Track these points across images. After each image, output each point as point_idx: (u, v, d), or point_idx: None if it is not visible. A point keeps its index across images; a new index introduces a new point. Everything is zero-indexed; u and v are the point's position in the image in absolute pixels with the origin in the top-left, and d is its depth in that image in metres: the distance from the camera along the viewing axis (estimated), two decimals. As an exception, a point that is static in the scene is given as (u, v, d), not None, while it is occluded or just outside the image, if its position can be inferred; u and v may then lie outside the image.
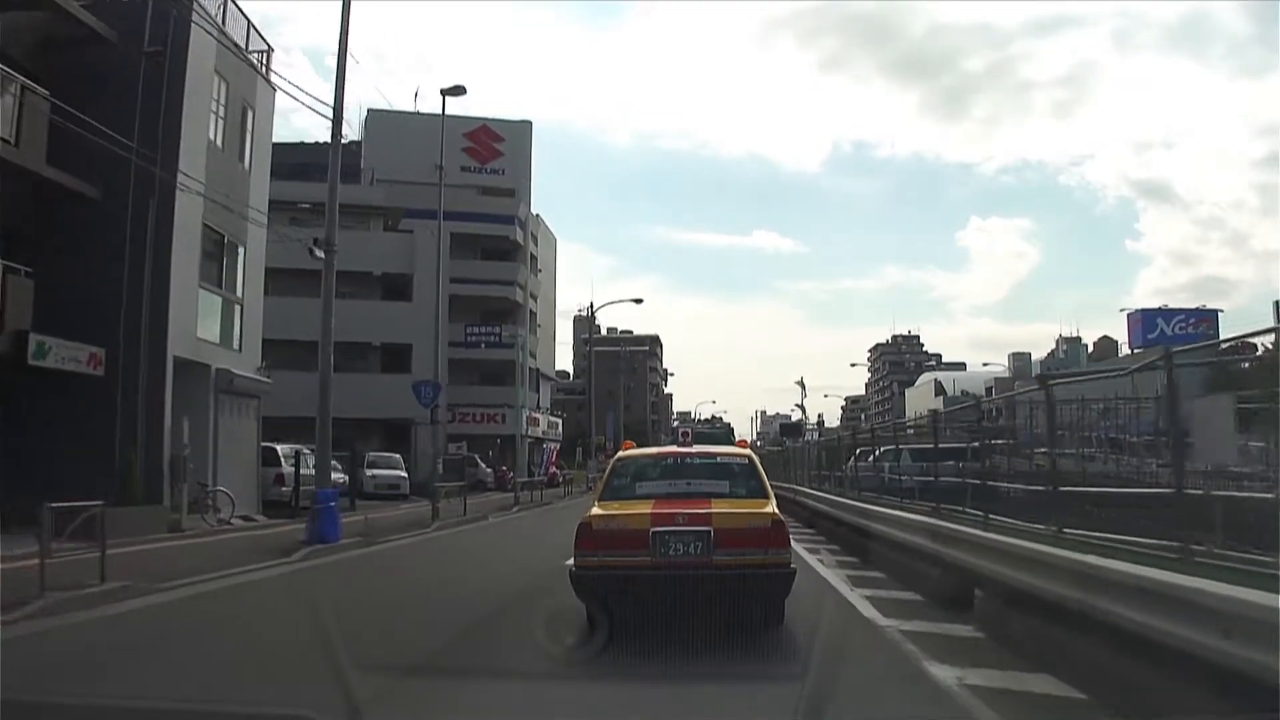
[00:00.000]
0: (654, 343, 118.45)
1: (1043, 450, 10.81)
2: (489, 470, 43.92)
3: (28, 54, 17.26)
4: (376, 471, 34.22)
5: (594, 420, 61.53)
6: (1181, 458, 5.88)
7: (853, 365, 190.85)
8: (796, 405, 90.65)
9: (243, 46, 21.86)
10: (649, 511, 7.44)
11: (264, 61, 23.04)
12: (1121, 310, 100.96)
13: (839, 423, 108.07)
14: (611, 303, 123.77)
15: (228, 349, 21.51)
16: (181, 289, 18.88)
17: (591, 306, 66.39)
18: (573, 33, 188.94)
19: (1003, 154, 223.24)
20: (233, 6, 21.42)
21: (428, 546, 17.53)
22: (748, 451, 9.23)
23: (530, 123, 59.57)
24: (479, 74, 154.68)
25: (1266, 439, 6.97)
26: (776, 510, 7.64)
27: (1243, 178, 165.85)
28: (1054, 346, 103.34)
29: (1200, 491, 5.93)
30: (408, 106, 49.03)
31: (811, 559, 13.34)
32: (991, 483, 9.66)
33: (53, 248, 17.36)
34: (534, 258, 57.89)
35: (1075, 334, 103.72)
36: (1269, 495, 6.40)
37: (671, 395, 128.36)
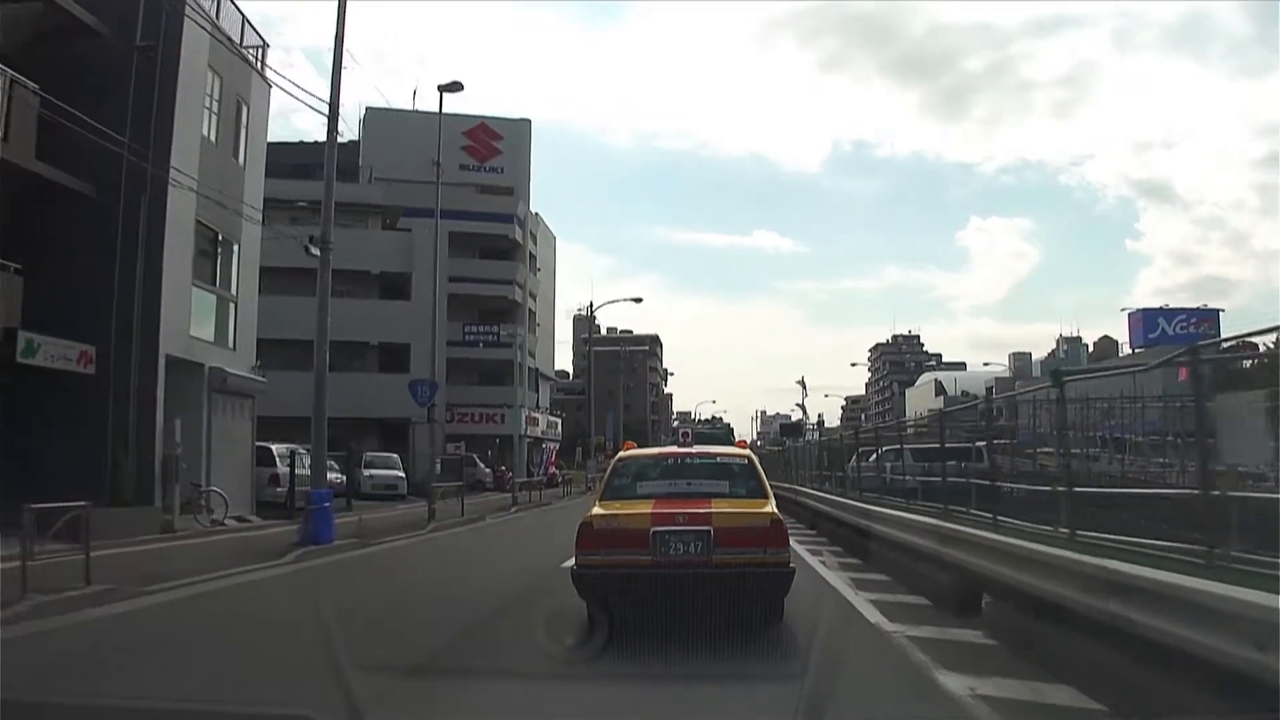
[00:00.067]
0: (654, 343, 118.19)
1: (1046, 450, 10.58)
2: (488, 470, 43.67)
3: (17, 48, 16.97)
4: (374, 472, 34.00)
5: (593, 420, 61.29)
6: (1207, 458, 5.59)
7: (853, 365, 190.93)
8: (797, 405, 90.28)
9: (237, 41, 21.61)
10: (649, 511, 7.51)
11: (259, 57, 22.79)
12: (1122, 310, 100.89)
13: (839, 423, 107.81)
14: (611, 302, 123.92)
15: (222, 348, 21.25)
16: (174, 286, 18.61)
17: (591, 306, 66.35)
18: (573, 33, 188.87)
19: (1003, 154, 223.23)
20: (227, 2, 21.18)
21: (423, 548, 17.26)
22: (747, 452, 9.28)
23: (529, 121, 59.43)
24: (479, 74, 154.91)
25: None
26: (776, 510, 7.70)
27: (1243, 178, 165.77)
28: (1054, 346, 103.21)
29: (1232, 494, 5.64)
30: (407, 106, 48.65)
31: (813, 560, 13.11)
32: (1000, 484, 9.34)
33: (43, 244, 17.07)
34: (533, 256, 57.64)
35: (1075, 334, 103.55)
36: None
37: (671, 395, 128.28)
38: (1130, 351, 74.32)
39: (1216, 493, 5.51)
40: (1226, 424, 5.54)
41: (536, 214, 59.70)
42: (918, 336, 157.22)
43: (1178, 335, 69.23)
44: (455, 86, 25.64)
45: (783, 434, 73.09)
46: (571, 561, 7.64)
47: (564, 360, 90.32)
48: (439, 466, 30.80)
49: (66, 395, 16.74)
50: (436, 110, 27.93)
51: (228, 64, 20.97)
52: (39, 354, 16.10)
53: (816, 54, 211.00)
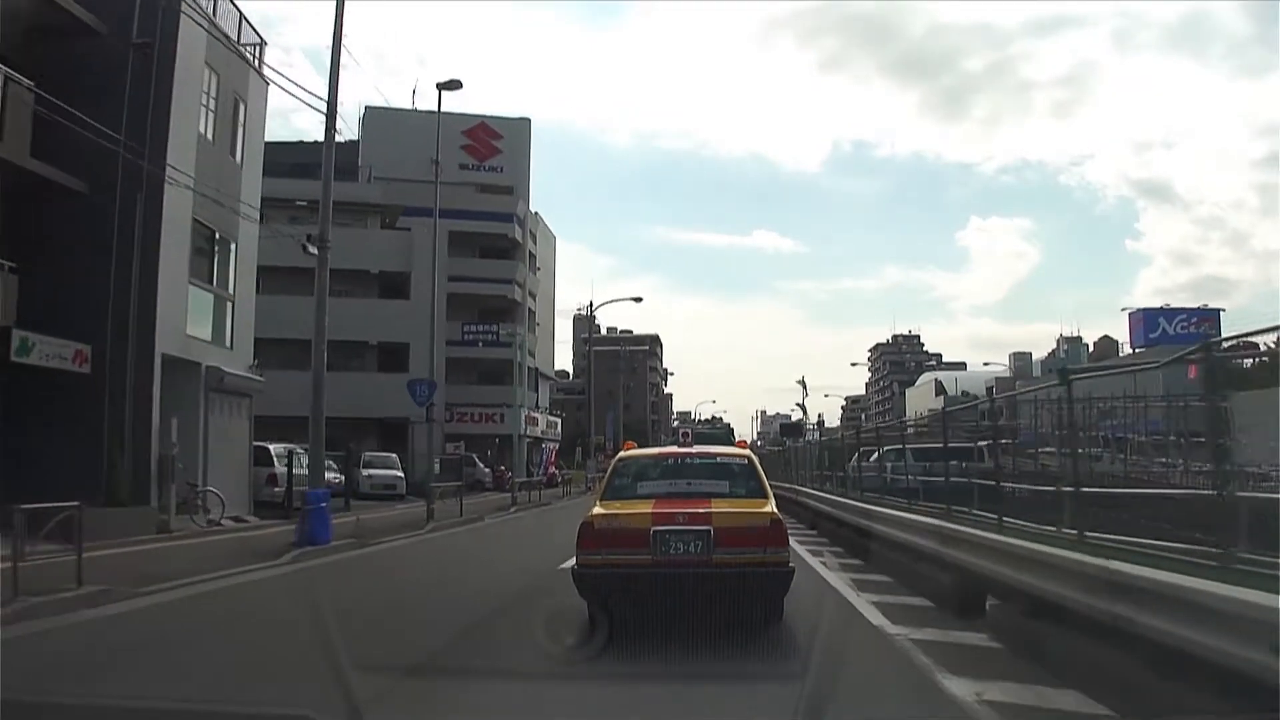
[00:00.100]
0: (654, 342, 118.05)
1: (1048, 450, 10.45)
2: (487, 470, 43.57)
3: (12, 45, 16.83)
4: (372, 471, 33.88)
5: (593, 420, 61.15)
6: (1223, 457, 5.46)
7: (853, 365, 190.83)
8: (798, 405, 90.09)
9: (234, 39, 21.47)
10: (650, 511, 7.55)
11: (256, 54, 22.64)
12: (1123, 310, 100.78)
13: (839, 423, 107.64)
14: (611, 301, 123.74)
15: (219, 346, 21.11)
16: (170, 285, 18.47)
17: (591, 305, 66.27)
18: (573, 32, 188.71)
19: (1003, 154, 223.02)
20: (224, -1, 21.07)
21: (421, 548, 17.13)
22: (747, 452, 9.33)
23: (529, 120, 59.23)
24: (479, 74, 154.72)
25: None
26: (775, 510, 7.73)
27: (1243, 178, 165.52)
28: (1054, 346, 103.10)
29: (1245, 495, 5.51)
30: (407, 106, 48.50)
31: (814, 561, 13.00)
32: (1006, 484, 9.21)
33: (38, 242, 16.96)
34: (532, 256, 57.52)
35: (1076, 334, 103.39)
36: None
37: (671, 395, 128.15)
38: (1131, 351, 74.24)
39: (1237, 494, 5.34)
40: (1241, 423, 5.39)
41: (536, 213, 59.59)
42: (918, 336, 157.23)
43: (1178, 335, 69.17)
44: (454, 84, 25.47)
45: (783, 434, 72.97)
46: (571, 562, 7.66)
47: (564, 360, 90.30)
48: (438, 466, 30.67)
49: (62, 394, 16.61)
50: (436, 109, 27.82)
51: (225, 61, 20.83)
52: (33, 353, 15.98)
53: (816, 54, 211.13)
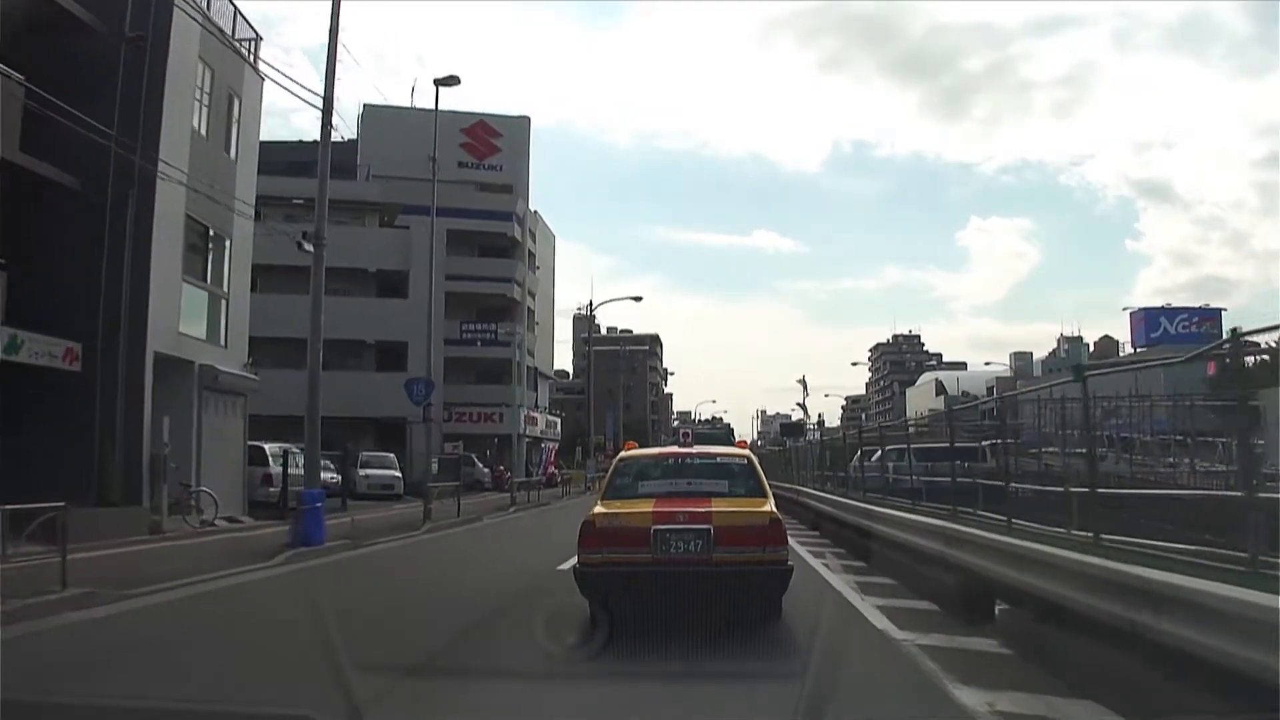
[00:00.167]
0: (654, 342, 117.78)
1: (1051, 450, 10.22)
2: (486, 470, 43.34)
3: (2, 38, 16.60)
4: (370, 471, 33.63)
5: (593, 420, 60.91)
6: (1250, 457, 5.21)
7: (854, 365, 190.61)
8: (798, 404, 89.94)
9: (229, 34, 21.22)
10: (650, 510, 7.63)
11: (251, 50, 22.38)
12: (1124, 309, 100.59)
13: (839, 422, 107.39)
14: (611, 300, 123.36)
15: (213, 345, 20.85)
16: (163, 282, 18.21)
17: (591, 305, 66.01)
18: (573, 32, 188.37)
19: (1003, 154, 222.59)
20: (218, -8, 20.81)
21: (416, 549, 16.87)
22: (747, 452, 9.42)
23: (528, 118, 58.98)
24: (479, 74, 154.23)
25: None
26: (774, 509, 7.80)
27: (1243, 178, 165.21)
28: (1055, 346, 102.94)
29: (1270, 495, 5.26)
30: (406, 104, 48.31)
31: (816, 563, 12.76)
32: (1015, 485, 8.96)
33: (28, 239, 16.71)
34: (532, 255, 57.30)
35: (1076, 334, 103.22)
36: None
37: (671, 395, 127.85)
38: (1132, 351, 74.01)
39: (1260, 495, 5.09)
40: (1272, 421, 5.15)
41: (535, 212, 59.38)
42: (918, 336, 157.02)
43: (1179, 335, 69.08)
44: (452, 80, 25.22)
45: (783, 434, 72.82)
46: (569, 563, 7.79)
47: (564, 360, 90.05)
48: (436, 466, 30.43)
49: (52, 393, 16.39)
50: (434, 107, 27.58)
51: (219, 56, 20.59)
52: (22, 351, 15.74)
53: (816, 54, 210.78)
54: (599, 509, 7.90)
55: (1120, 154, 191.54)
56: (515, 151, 56.02)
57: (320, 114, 17.05)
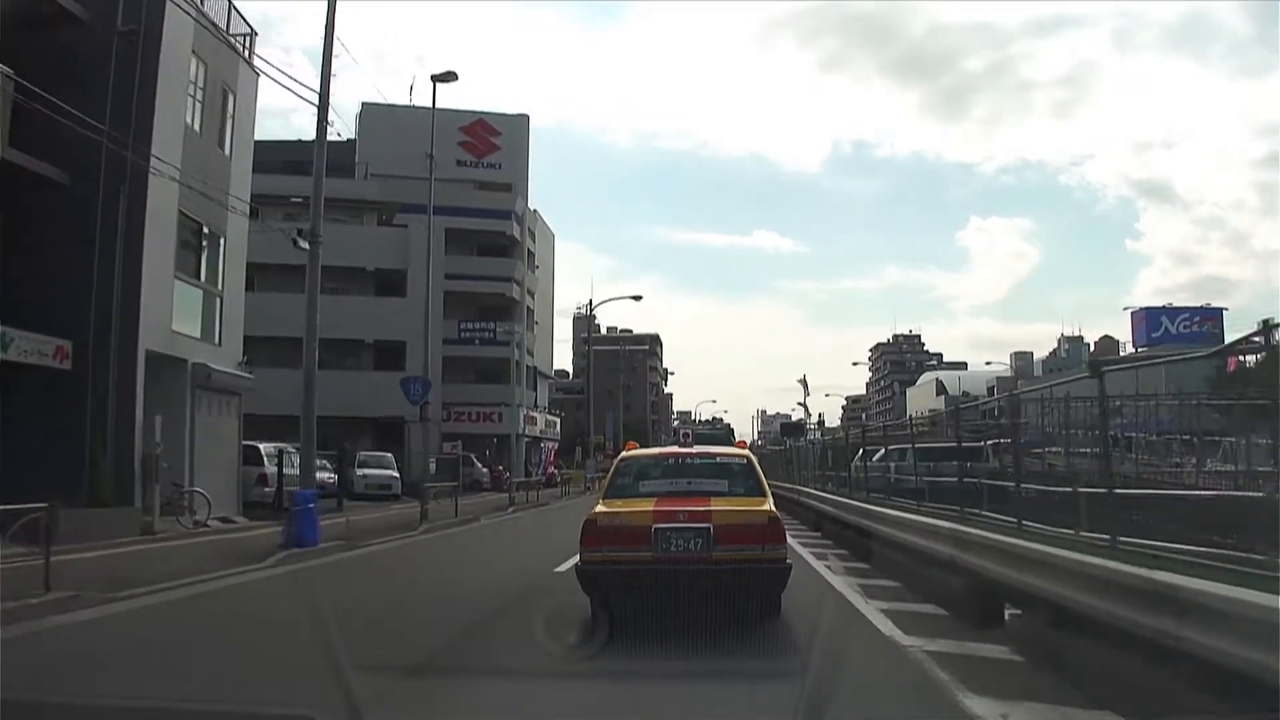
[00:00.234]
0: (654, 342, 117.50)
1: (1055, 450, 9.97)
2: (485, 470, 43.06)
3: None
4: (367, 471, 33.38)
5: (593, 420, 60.66)
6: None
7: (854, 364, 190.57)
8: (799, 404, 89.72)
9: (224, 29, 20.96)
10: (651, 509, 7.72)
11: (247, 45, 22.10)
12: (1125, 309, 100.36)
13: (839, 422, 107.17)
14: (610, 300, 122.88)
15: (207, 343, 20.58)
16: (155, 279, 17.93)
17: (590, 304, 65.77)
18: (573, 32, 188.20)
19: (1003, 154, 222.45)
20: (213, -12, 20.54)
21: (412, 550, 16.63)
22: (746, 452, 9.57)
23: (527, 116, 58.61)
24: (479, 74, 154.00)
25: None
26: (773, 508, 7.93)
27: (1243, 178, 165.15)
28: (1055, 346, 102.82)
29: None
30: (405, 103, 48.02)
31: (819, 565, 12.54)
32: (1024, 485, 8.71)
33: (17, 235, 16.50)
34: (531, 254, 57.03)
35: (1077, 334, 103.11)
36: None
37: (671, 395, 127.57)
38: (1133, 350, 73.76)
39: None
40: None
41: (535, 211, 59.10)
42: (918, 336, 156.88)
43: (1181, 334, 68.94)
44: (449, 76, 24.98)
45: (783, 434, 72.63)
46: (567, 565, 8.10)
47: (563, 359, 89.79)
48: (433, 466, 30.21)
49: (42, 392, 16.16)
50: (431, 103, 27.34)
51: (213, 51, 20.32)
52: (11, 349, 15.48)
53: (816, 54, 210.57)
54: (600, 508, 8.01)
55: (1120, 154, 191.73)
56: (514, 150, 55.74)
57: (318, 111, 16.82)
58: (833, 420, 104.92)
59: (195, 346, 19.92)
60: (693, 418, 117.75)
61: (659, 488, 8.38)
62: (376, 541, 16.93)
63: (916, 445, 14.95)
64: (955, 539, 8.40)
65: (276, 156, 38.96)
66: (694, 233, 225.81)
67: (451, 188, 46.09)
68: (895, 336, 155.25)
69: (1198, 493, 6.95)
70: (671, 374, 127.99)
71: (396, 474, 34.19)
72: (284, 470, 21.27)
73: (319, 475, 19.01)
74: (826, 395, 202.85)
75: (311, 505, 15.17)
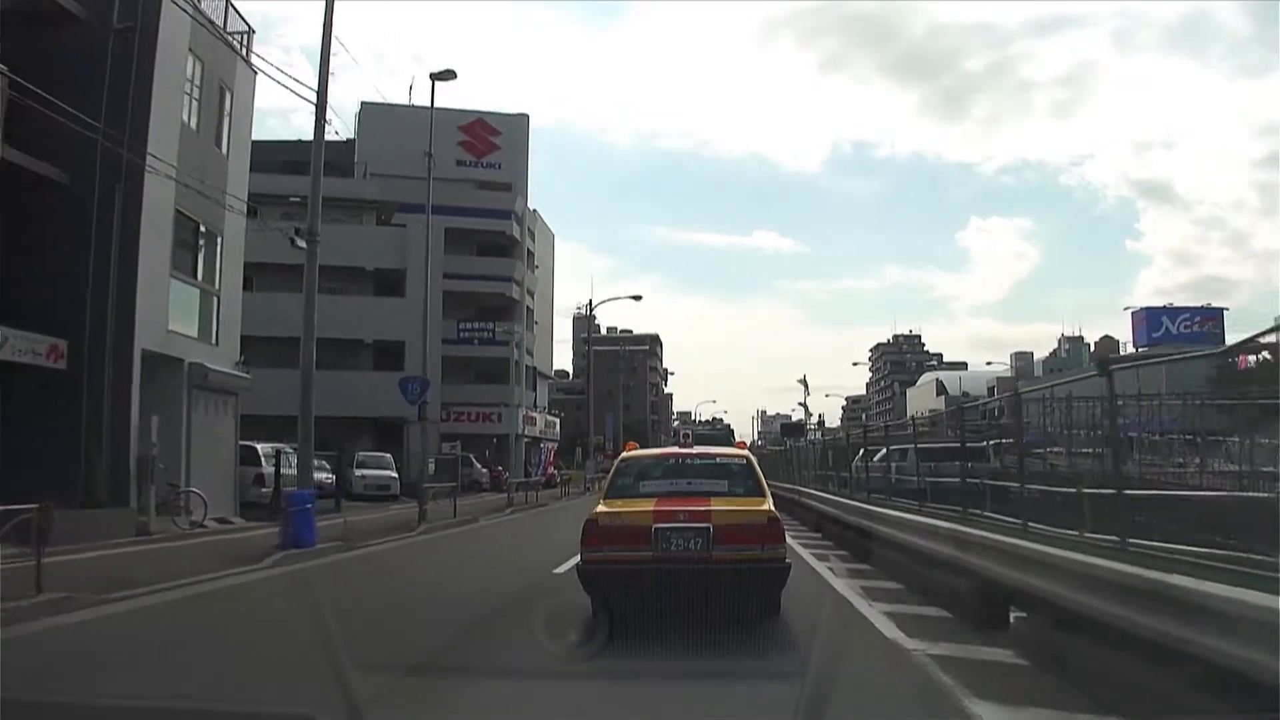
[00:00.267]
0: (654, 342, 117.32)
1: (1056, 449, 9.85)
2: (484, 470, 42.91)
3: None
4: (366, 472, 33.25)
5: (593, 420, 60.51)
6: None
7: (854, 365, 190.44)
8: (800, 404, 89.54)
9: (221, 26, 20.84)
10: (652, 509, 7.77)
11: (244, 43, 21.98)
12: (1125, 309, 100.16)
13: (839, 423, 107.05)
14: (610, 299, 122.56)
15: (203, 343, 20.43)
16: (151, 278, 17.80)
17: (590, 304, 65.52)
18: (573, 32, 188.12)
19: (1003, 154, 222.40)
20: (210, -14, 20.42)
21: (409, 551, 16.49)
22: (746, 452, 9.60)
23: (526, 116, 58.43)
24: (478, 74, 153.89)
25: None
26: (772, 508, 7.99)
27: (1243, 178, 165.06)
28: (1056, 346, 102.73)
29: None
30: (405, 103, 47.91)
31: (820, 566, 12.42)
32: (1030, 486, 8.59)
33: (13, 233, 16.36)
34: (531, 254, 56.86)
35: (1077, 334, 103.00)
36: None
37: (671, 395, 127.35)
38: (1134, 350, 73.62)
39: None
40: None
41: (534, 210, 58.93)
42: (918, 336, 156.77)
43: (1181, 334, 68.79)
44: (448, 75, 24.81)
45: (784, 434, 72.50)
46: (565, 566, 8.25)
47: (563, 360, 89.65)
48: (432, 466, 30.08)
49: (37, 391, 16.02)
50: (430, 102, 27.17)
51: (210, 48, 20.19)
52: (4, 348, 15.35)
53: (816, 54, 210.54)
54: (601, 508, 8.07)
55: (1120, 154, 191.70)
56: (514, 149, 55.58)
57: (314, 107, 16.70)
58: (833, 420, 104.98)
59: (192, 346, 19.79)
60: (693, 418, 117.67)
61: (659, 488, 8.42)
62: (374, 542, 16.81)
63: (925, 445, 14.82)
64: (958, 540, 8.28)
65: (276, 156, 38.88)
66: (694, 233, 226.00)
67: (451, 187, 45.94)
68: (895, 337, 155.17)
69: (1207, 493, 6.80)
70: (671, 374, 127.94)
71: (395, 474, 34.05)
72: (281, 471, 21.15)
73: (317, 476, 18.89)
74: (827, 395, 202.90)
75: (308, 506, 15.04)
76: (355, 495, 30.11)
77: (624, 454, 9.63)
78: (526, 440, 52.32)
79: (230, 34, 21.50)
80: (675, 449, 9.73)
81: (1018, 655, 6.61)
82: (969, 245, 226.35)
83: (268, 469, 22.43)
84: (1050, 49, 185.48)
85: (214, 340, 20.91)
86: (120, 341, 17.16)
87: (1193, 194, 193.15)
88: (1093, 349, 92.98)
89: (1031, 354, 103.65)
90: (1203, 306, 77.67)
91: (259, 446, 23.43)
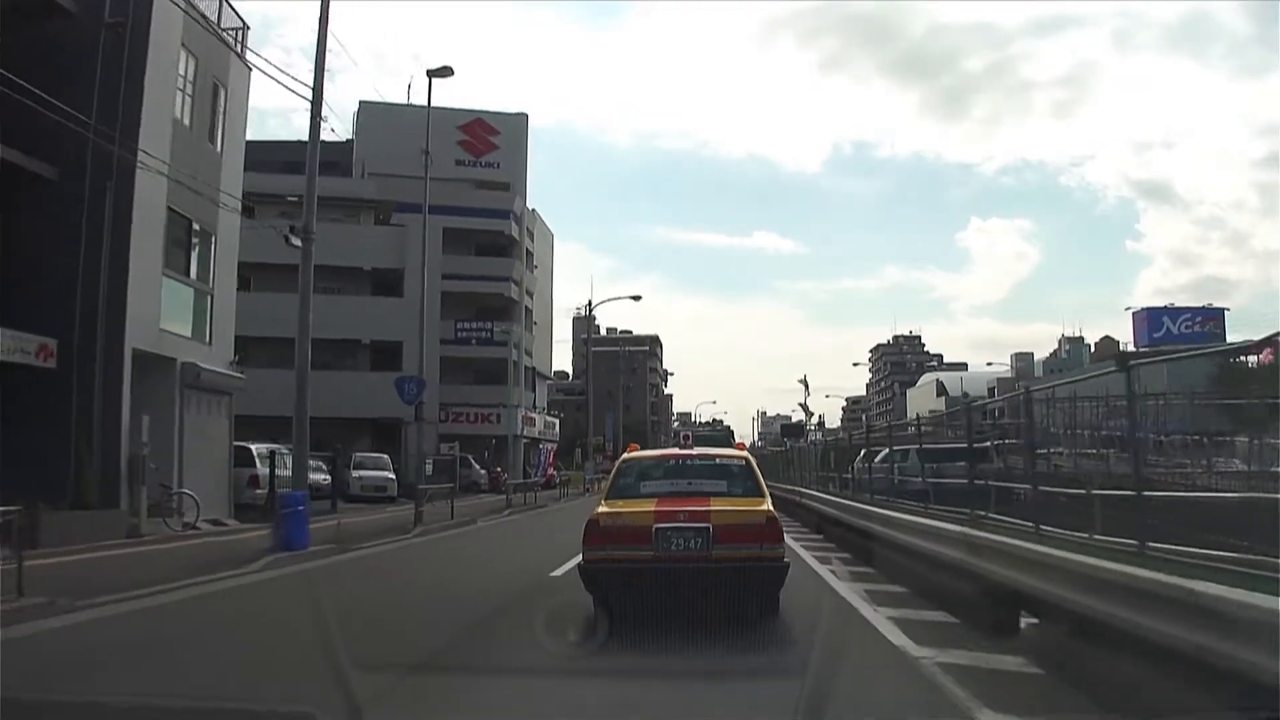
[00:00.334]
0: (654, 343, 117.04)
1: (1059, 450, 9.61)
2: (483, 471, 42.65)
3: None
4: (363, 473, 32.99)
5: (592, 421, 60.24)
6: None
7: (855, 365, 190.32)
8: (800, 405, 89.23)
9: (215, 22, 20.60)
10: (652, 509, 7.86)
11: (239, 39, 21.74)
12: (1126, 309, 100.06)
13: (839, 423, 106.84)
14: (610, 299, 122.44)
15: (197, 342, 20.20)
16: (142, 276, 17.55)
17: (590, 305, 65.21)
18: (573, 32, 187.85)
19: (1003, 154, 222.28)
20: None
21: (404, 554, 16.19)
22: (745, 454, 9.73)
23: (526, 115, 58.10)
24: (478, 74, 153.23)
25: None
26: (771, 508, 8.11)
27: (1243, 178, 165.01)
28: (1056, 346, 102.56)
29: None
30: (404, 103, 47.67)
31: (823, 569, 12.17)
32: (1040, 488, 8.34)
33: (1, 230, 16.07)
34: (530, 253, 56.58)
35: (1077, 334, 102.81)
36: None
37: (671, 396, 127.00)
38: (1135, 351, 73.39)
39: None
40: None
41: (534, 210, 58.64)
42: (919, 337, 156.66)
43: (1183, 334, 68.58)
44: (445, 71, 24.49)
45: (784, 435, 72.28)
46: (563, 569, 8.46)
47: (563, 360, 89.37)
48: (430, 467, 29.79)
49: (26, 391, 15.75)
50: (427, 99, 26.90)
51: (204, 44, 19.95)
52: (-8, 346, 15.12)
53: (816, 54, 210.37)
54: (603, 508, 8.21)
55: (1120, 154, 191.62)
56: (513, 149, 55.29)
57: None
58: (833, 421, 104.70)
59: (184, 345, 19.54)
60: (693, 419, 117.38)
61: (660, 488, 8.53)
62: (368, 545, 16.52)
63: (931, 447, 14.55)
64: (967, 543, 8.03)
65: (276, 156, 38.64)
66: (694, 233, 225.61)
67: (450, 187, 45.69)
68: (895, 337, 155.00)
69: (1229, 495, 6.54)
70: (671, 375, 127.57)
71: (393, 475, 33.82)
72: (277, 472, 20.90)
73: (313, 477, 18.66)
74: (827, 396, 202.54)
75: (301, 508, 14.79)
76: (352, 497, 29.87)
77: (625, 455, 9.74)
78: (526, 441, 52.05)
79: (224, 30, 21.26)
80: (675, 450, 9.91)
81: (1031, 663, 6.34)
82: (969, 245, 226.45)
83: (262, 470, 22.20)
84: (1050, 49, 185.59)
85: (207, 340, 20.67)
86: (111, 340, 16.92)
87: (1193, 194, 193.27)
88: (1093, 349, 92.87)
89: (1032, 354, 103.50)
90: (1204, 307, 77.50)
91: (254, 447, 23.19)
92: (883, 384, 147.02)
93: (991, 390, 66.66)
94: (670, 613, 7.25)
